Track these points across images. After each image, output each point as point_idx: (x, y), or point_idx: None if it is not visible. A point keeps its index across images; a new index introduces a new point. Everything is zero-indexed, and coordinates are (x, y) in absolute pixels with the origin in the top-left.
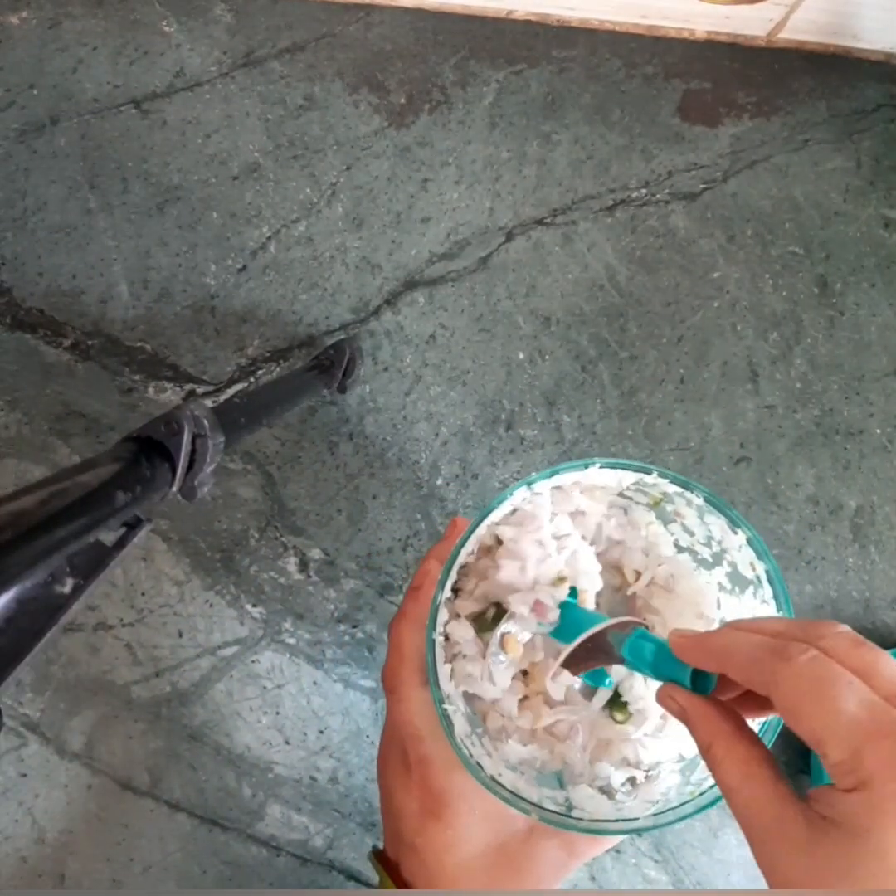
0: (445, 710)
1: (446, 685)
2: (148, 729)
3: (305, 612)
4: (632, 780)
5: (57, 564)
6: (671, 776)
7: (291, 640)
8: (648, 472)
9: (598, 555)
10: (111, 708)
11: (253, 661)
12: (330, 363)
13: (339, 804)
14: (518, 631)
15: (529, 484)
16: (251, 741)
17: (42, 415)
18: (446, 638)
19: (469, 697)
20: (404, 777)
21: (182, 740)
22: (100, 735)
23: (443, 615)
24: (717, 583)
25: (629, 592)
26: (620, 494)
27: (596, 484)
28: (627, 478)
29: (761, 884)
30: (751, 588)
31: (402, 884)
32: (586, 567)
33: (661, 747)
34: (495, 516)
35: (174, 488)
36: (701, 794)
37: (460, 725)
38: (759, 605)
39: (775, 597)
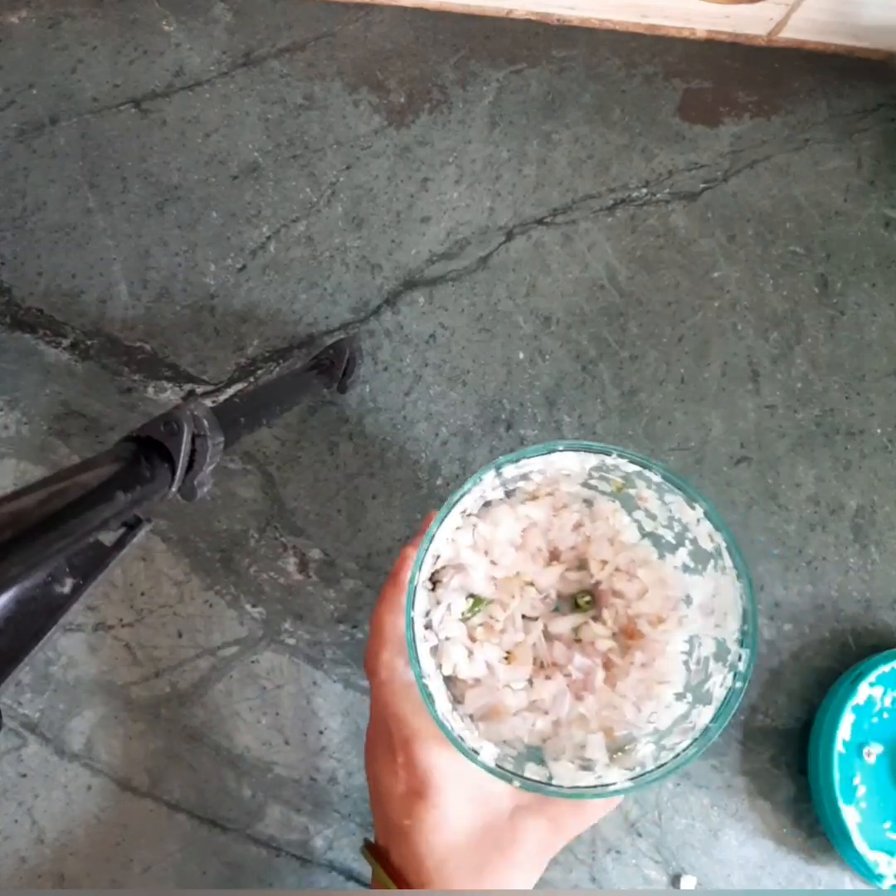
0: (426, 685)
1: (427, 663)
2: (148, 729)
3: (305, 612)
4: (611, 752)
5: (57, 564)
6: (646, 748)
7: (291, 641)
8: (608, 454)
9: (563, 550)
10: (111, 708)
11: (253, 662)
12: (330, 363)
13: (339, 805)
14: (492, 622)
15: (498, 468)
16: (251, 741)
17: (42, 415)
18: (427, 626)
19: (451, 681)
20: (390, 760)
21: (182, 740)
22: (100, 735)
23: (421, 596)
24: (681, 564)
25: (593, 582)
26: (585, 483)
27: (560, 471)
28: (590, 460)
29: (761, 884)
30: (711, 561)
31: (393, 871)
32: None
33: (638, 716)
34: (465, 503)
35: (174, 488)
36: (675, 756)
37: (442, 702)
38: (719, 576)
39: (735, 567)
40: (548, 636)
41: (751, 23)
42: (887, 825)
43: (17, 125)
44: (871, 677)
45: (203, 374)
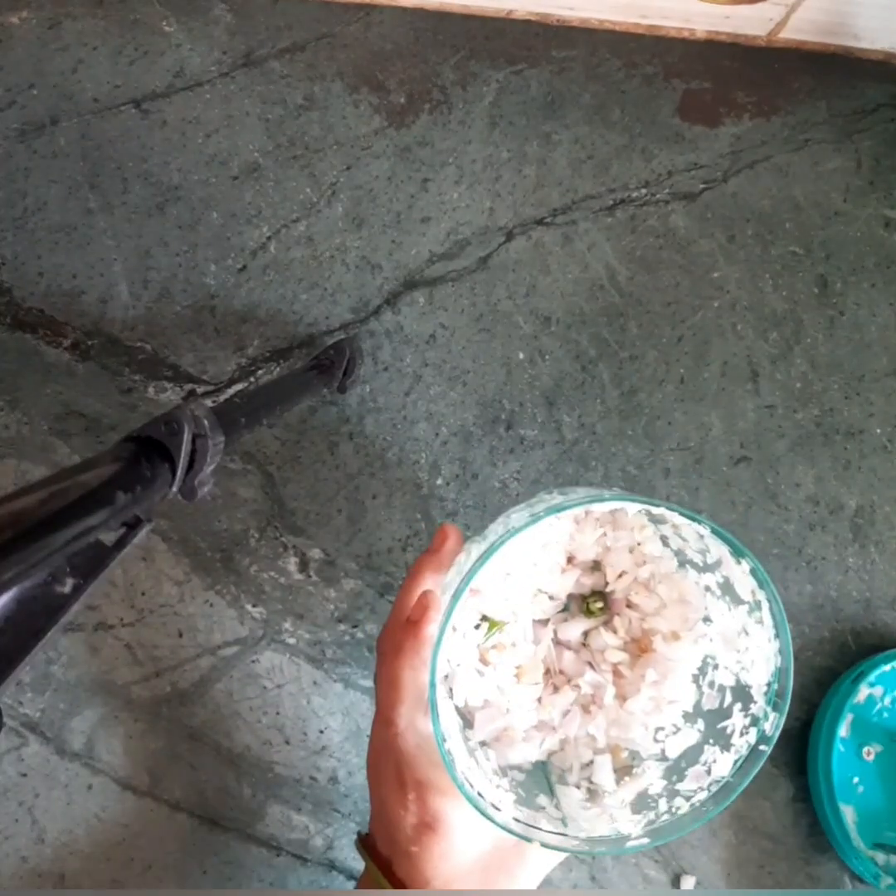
0: (449, 751)
1: (448, 723)
2: (148, 729)
3: (305, 612)
4: (617, 773)
5: (57, 564)
6: (654, 773)
7: (291, 640)
8: (655, 506)
9: (581, 558)
10: (111, 708)
11: (253, 661)
12: (330, 363)
13: (339, 804)
14: (507, 638)
15: (536, 520)
16: (251, 741)
17: (42, 415)
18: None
19: (459, 709)
20: (400, 793)
21: (182, 740)
22: (100, 735)
23: (443, 656)
24: (705, 585)
25: (608, 590)
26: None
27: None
28: (633, 507)
29: (761, 884)
30: (744, 606)
31: (395, 880)
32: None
33: (645, 735)
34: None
35: (174, 488)
36: (692, 809)
37: (461, 758)
38: (752, 622)
39: (774, 625)
40: (557, 642)
41: (751, 23)
42: (886, 824)
43: (17, 125)
44: (871, 677)
45: (203, 374)
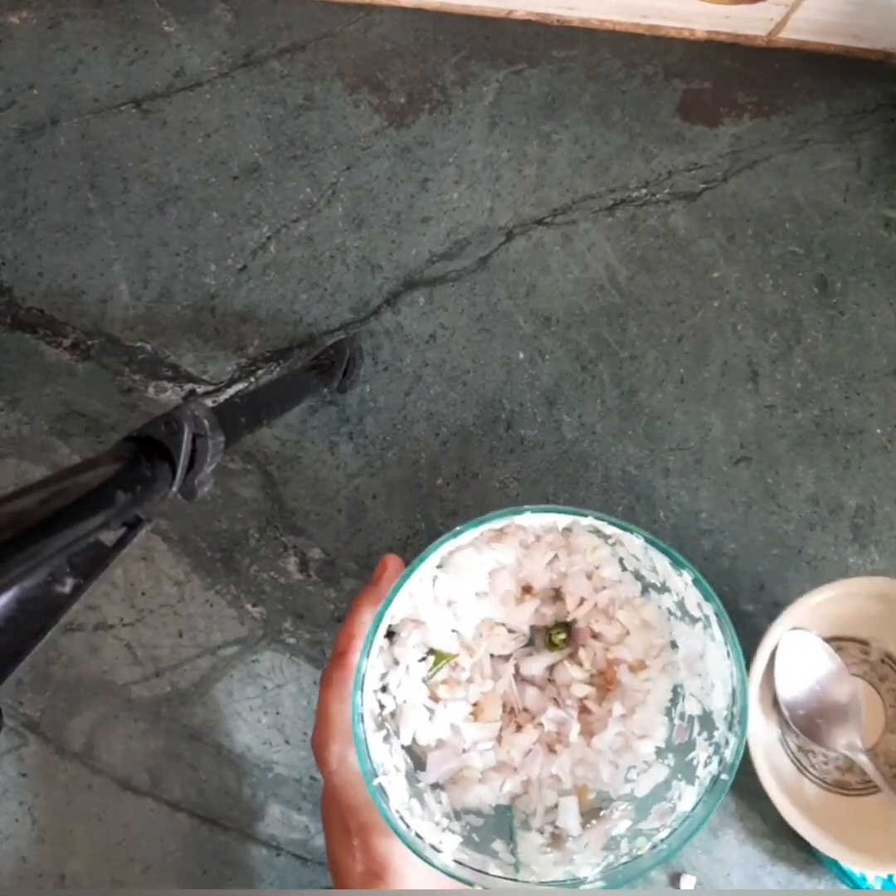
0: (380, 784)
1: (379, 756)
2: (148, 729)
3: (305, 611)
4: (584, 817)
5: (57, 564)
6: (622, 817)
7: (291, 640)
8: (582, 515)
9: (539, 587)
10: (111, 708)
11: (253, 661)
12: (330, 363)
13: None
14: (457, 673)
15: (455, 535)
16: (251, 741)
17: (42, 414)
18: (383, 688)
19: (411, 749)
20: (345, 840)
21: (182, 740)
22: (100, 735)
23: (371, 682)
24: (668, 607)
25: (569, 619)
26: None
27: (531, 526)
28: (562, 521)
29: (761, 883)
30: (699, 623)
31: None
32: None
33: (615, 774)
34: (422, 573)
35: (174, 488)
36: (653, 847)
37: (397, 795)
38: (709, 640)
39: (725, 642)
40: (519, 678)
41: (751, 23)
42: None
43: (17, 125)
44: None
45: (204, 374)
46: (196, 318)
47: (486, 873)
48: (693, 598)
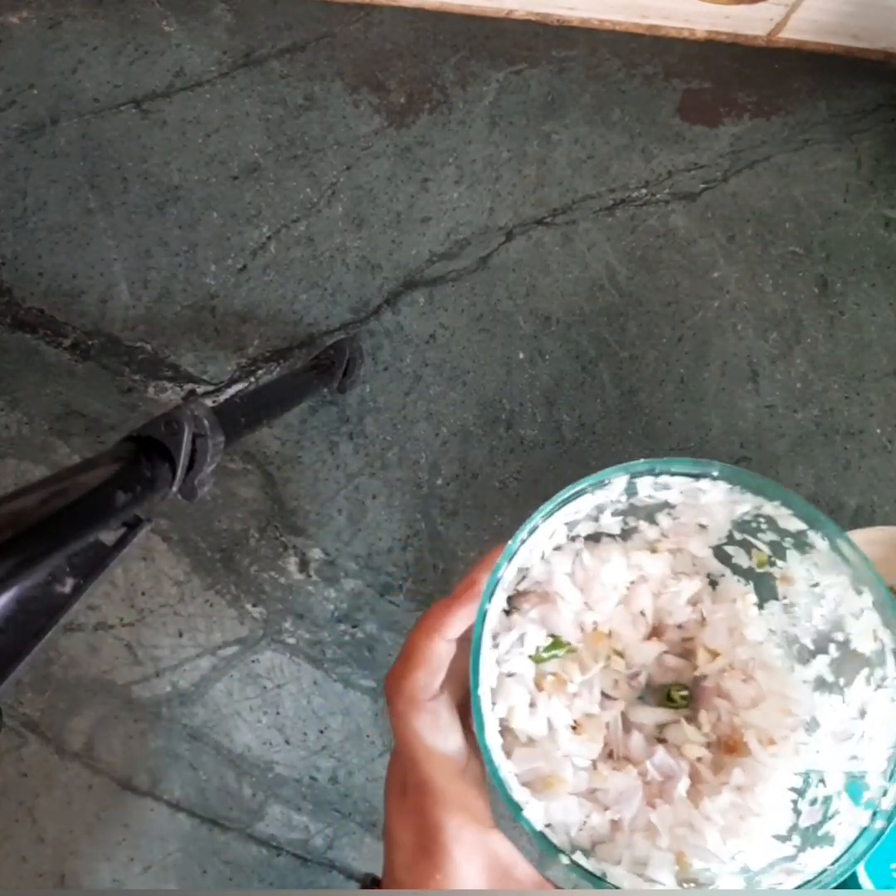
0: (480, 698)
1: (487, 672)
2: (148, 729)
3: (305, 611)
4: (680, 882)
5: (57, 564)
6: (730, 883)
7: (291, 640)
8: (770, 498)
9: (669, 626)
10: (111, 708)
11: (253, 661)
12: (330, 363)
13: (339, 804)
14: (571, 677)
15: (632, 475)
16: (251, 741)
17: (42, 414)
18: (496, 646)
19: (501, 731)
20: (401, 802)
21: (182, 740)
22: (100, 735)
23: (497, 601)
24: (814, 678)
25: (697, 674)
26: (720, 547)
27: (699, 516)
28: (742, 505)
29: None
30: (863, 671)
31: None
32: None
33: (719, 846)
34: (570, 515)
35: (174, 488)
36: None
37: (492, 732)
38: (871, 691)
39: None
40: (626, 724)
41: (751, 23)
42: (893, 865)
43: (17, 125)
44: None
45: (204, 374)
46: (196, 318)
47: (574, 860)
48: (868, 625)
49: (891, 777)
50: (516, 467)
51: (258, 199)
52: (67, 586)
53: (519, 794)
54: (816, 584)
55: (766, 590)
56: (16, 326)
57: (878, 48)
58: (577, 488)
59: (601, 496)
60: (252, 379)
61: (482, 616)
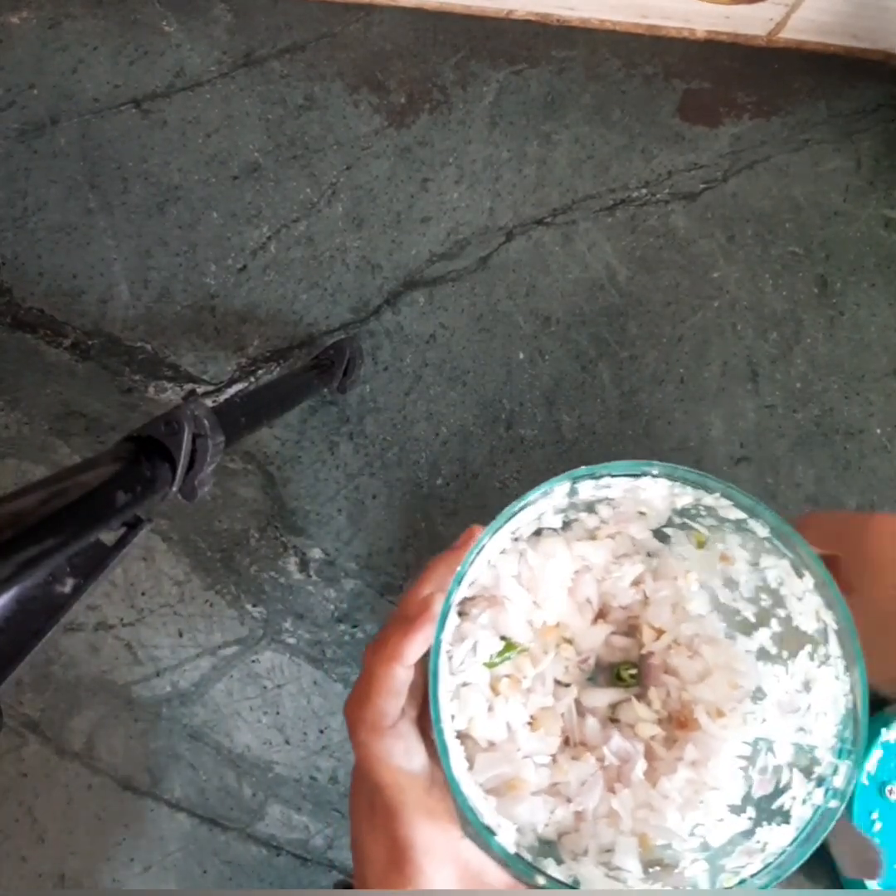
0: (443, 731)
1: (446, 707)
2: (148, 729)
3: (305, 611)
4: (646, 864)
5: (57, 564)
6: (694, 862)
7: (292, 640)
8: (709, 491)
9: (614, 608)
10: (111, 708)
11: (253, 661)
12: (330, 363)
13: (339, 804)
14: (520, 675)
15: (574, 480)
16: (251, 741)
17: (42, 414)
18: (449, 657)
19: (462, 739)
20: (370, 821)
21: (182, 740)
22: (100, 735)
23: (450, 625)
24: (757, 648)
25: (644, 651)
26: (659, 529)
27: (639, 506)
28: (682, 498)
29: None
30: (807, 648)
31: None
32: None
33: (681, 824)
34: (521, 520)
35: (174, 488)
36: (741, 882)
37: (457, 759)
38: (814, 667)
39: (843, 656)
40: (580, 709)
41: (751, 23)
42: None
43: (18, 125)
44: None
45: (204, 374)
46: (196, 318)
47: (545, 872)
48: (811, 606)
49: (839, 754)
50: (516, 467)
51: (258, 199)
52: (67, 586)
53: (490, 818)
54: (757, 564)
55: (707, 567)
56: (16, 326)
57: (878, 48)
58: (524, 503)
59: (544, 504)
60: (252, 379)
61: (438, 646)
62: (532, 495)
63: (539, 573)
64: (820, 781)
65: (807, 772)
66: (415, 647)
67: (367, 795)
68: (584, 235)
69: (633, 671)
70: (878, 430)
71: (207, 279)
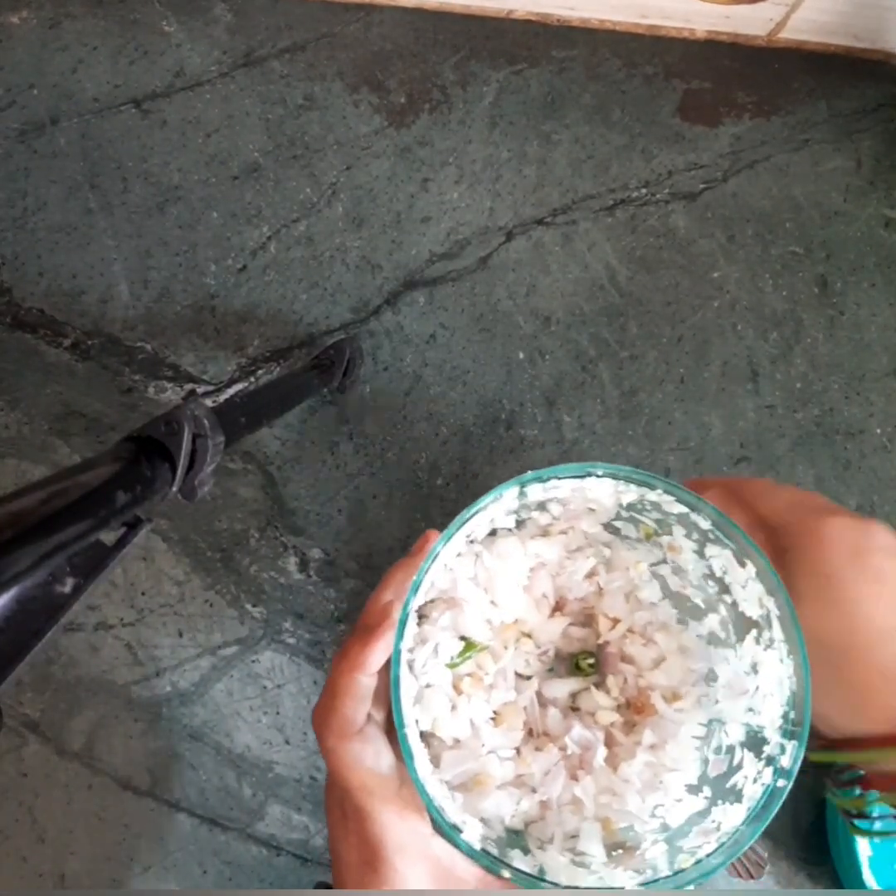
0: (407, 736)
1: (408, 712)
2: (148, 729)
3: (305, 611)
4: (610, 848)
5: (57, 564)
6: (654, 843)
7: (291, 640)
8: (652, 487)
9: (570, 600)
10: (111, 708)
11: (253, 661)
12: (330, 363)
13: None
14: (481, 673)
15: (522, 484)
16: (251, 741)
17: (42, 414)
18: (410, 666)
19: (426, 738)
20: (343, 825)
21: (182, 740)
22: (100, 735)
23: (409, 632)
24: (707, 633)
25: (600, 641)
26: (609, 523)
27: (588, 503)
28: (627, 495)
29: (760, 883)
30: (752, 632)
31: None
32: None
33: (642, 807)
34: (475, 525)
35: (174, 488)
36: (697, 862)
37: (422, 762)
38: (760, 650)
39: (786, 640)
40: (541, 701)
41: (751, 23)
42: None
43: (18, 125)
44: None
45: (204, 374)
46: (196, 318)
47: (511, 864)
48: (754, 593)
49: (785, 735)
50: (516, 467)
51: (258, 199)
52: (67, 586)
53: (455, 816)
54: (702, 553)
55: (656, 557)
56: (16, 326)
57: (878, 48)
58: (475, 509)
59: (496, 508)
60: (252, 379)
61: (397, 654)
62: (483, 501)
63: (495, 573)
64: (768, 761)
65: (757, 751)
66: (375, 656)
67: (338, 801)
68: (584, 235)
69: (591, 660)
70: (879, 430)
71: (207, 279)
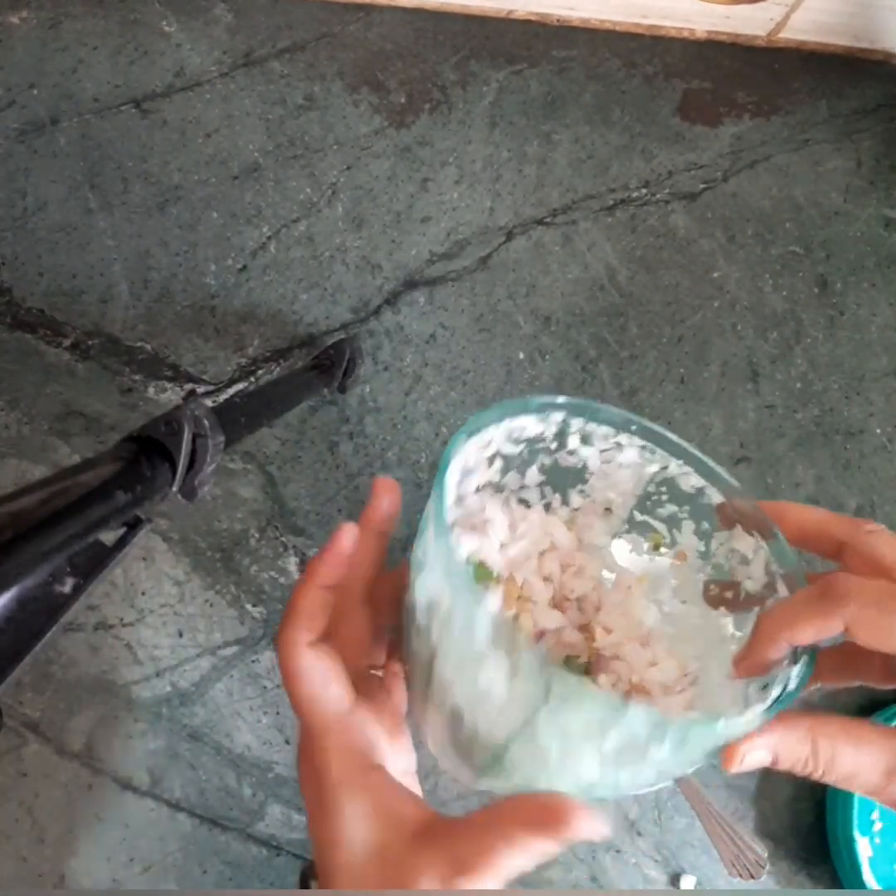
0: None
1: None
2: (148, 729)
3: None
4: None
5: (57, 564)
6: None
7: None
8: (675, 456)
9: (569, 602)
10: (111, 708)
11: (253, 661)
12: (330, 363)
13: None
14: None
15: (570, 409)
16: (251, 741)
17: (42, 414)
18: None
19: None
20: (304, 760)
21: (182, 740)
22: (100, 735)
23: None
24: (707, 632)
25: (595, 645)
26: (631, 518)
27: (610, 486)
28: (651, 466)
29: (761, 883)
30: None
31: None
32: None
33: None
34: (508, 429)
35: (174, 488)
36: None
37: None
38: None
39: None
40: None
41: (751, 23)
42: None
43: (18, 125)
44: None
45: (204, 374)
46: (196, 318)
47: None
48: (761, 561)
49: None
50: None
51: (258, 199)
52: (67, 586)
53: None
54: (707, 553)
55: (659, 576)
56: (16, 326)
57: (878, 48)
58: (524, 403)
59: (538, 427)
60: (252, 379)
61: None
62: (534, 402)
63: (520, 517)
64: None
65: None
66: (324, 567)
67: (305, 743)
68: (584, 235)
69: (583, 661)
70: (878, 430)
71: (207, 279)
